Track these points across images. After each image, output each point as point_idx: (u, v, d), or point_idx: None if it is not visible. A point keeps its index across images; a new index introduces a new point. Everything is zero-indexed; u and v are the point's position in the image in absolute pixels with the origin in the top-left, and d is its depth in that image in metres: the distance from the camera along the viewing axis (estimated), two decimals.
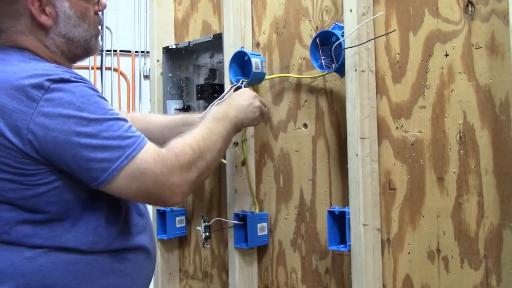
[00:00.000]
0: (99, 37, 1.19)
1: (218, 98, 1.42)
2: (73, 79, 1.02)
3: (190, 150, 1.08)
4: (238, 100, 1.32)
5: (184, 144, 1.09)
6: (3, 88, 0.98)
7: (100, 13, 1.18)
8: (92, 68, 4.25)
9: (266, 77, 1.50)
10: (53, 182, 1.01)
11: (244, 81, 1.46)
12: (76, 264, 1.04)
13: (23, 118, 0.96)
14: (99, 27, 1.18)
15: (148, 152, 1.02)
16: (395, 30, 1.26)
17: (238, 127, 1.30)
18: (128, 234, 1.13)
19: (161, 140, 1.44)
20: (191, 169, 1.07)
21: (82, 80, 1.04)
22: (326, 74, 1.37)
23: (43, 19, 1.07)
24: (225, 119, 1.23)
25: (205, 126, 1.18)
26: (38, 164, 0.99)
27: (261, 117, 1.40)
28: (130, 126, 1.05)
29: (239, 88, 1.46)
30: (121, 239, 1.10)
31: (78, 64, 1.23)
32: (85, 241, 1.05)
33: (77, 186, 1.03)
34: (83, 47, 1.14)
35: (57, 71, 1.02)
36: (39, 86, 0.98)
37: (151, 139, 1.38)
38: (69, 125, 0.97)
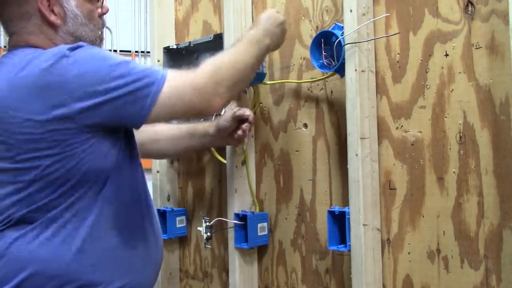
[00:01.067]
0: (103, 42, 1.25)
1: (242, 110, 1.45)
2: (86, 45, 1.09)
3: (223, 64, 1.15)
4: (273, 28, 1.31)
5: (214, 59, 1.16)
6: (31, 71, 1.04)
7: (103, 17, 1.24)
8: None
9: (267, 81, 1.50)
10: (87, 150, 1.06)
11: None
12: (90, 251, 1.08)
13: (59, 87, 1.02)
14: (102, 32, 1.24)
15: (177, 72, 1.12)
16: (398, 33, 1.25)
17: (269, 51, 1.34)
18: (139, 223, 1.17)
19: (167, 151, 1.51)
20: (224, 79, 1.13)
21: (94, 45, 1.12)
22: (326, 77, 1.37)
23: (53, 18, 1.12)
24: (260, 43, 1.26)
25: (242, 46, 1.23)
26: (77, 132, 1.04)
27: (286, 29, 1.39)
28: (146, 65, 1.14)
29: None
30: (132, 226, 1.15)
31: None
32: (101, 227, 1.09)
33: (103, 160, 1.08)
34: None
35: (72, 43, 1.10)
36: (62, 56, 1.04)
37: (159, 150, 1.43)
38: (101, 75, 1.04)
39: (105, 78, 1.04)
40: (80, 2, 1.15)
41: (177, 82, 1.09)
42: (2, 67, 1.09)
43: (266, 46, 1.27)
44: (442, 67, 1.19)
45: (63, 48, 1.06)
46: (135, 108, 1.06)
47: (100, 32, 1.22)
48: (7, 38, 1.17)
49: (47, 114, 1.02)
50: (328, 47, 1.32)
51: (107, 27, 4.53)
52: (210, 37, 1.64)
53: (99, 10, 1.21)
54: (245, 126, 1.43)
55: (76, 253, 1.06)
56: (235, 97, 1.22)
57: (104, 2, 1.24)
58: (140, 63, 1.12)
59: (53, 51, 1.06)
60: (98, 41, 1.21)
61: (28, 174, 1.04)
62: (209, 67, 1.13)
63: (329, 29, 1.31)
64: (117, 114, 1.06)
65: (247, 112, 1.43)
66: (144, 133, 1.35)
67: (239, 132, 1.43)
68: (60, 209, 1.06)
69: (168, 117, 1.14)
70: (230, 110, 1.44)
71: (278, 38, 1.32)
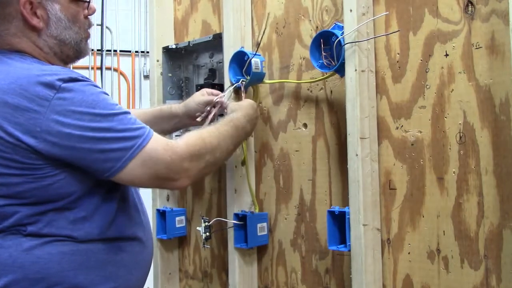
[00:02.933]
0: (89, 40, 1.23)
1: (219, 96, 1.47)
2: (80, 78, 1.07)
3: (202, 143, 1.16)
4: (253, 115, 1.40)
5: (197, 137, 1.17)
6: (12, 89, 1.01)
7: (90, 17, 1.22)
8: (92, 68, 4.24)
9: (267, 81, 1.50)
10: (59, 174, 1.05)
11: (243, 81, 1.46)
12: (72, 255, 1.07)
13: (36, 117, 1.00)
14: (89, 30, 1.22)
15: (157, 141, 1.09)
16: (399, 30, 1.25)
17: (247, 137, 1.42)
18: (124, 224, 1.16)
19: None
20: (199, 160, 1.14)
21: (88, 79, 1.09)
22: (326, 77, 1.37)
23: (35, 21, 1.11)
24: (242, 130, 1.33)
25: (224, 129, 1.26)
26: (46, 159, 1.03)
27: None
28: (136, 118, 1.11)
29: (239, 88, 1.47)
30: (115, 228, 1.14)
31: (78, 64, 1.26)
32: (81, 228, 1.08)
33: (80, 178, 1.08)
34: (74, 49, 1.18)
35: (64, 71, 1.07)
36: (50, 86, 1.02)
37: None
38: (83, 121, 1.03)
39: (84, 126, 1.02)
40: (65, 5, 1.14)
41: (154, 154, 1.07)
42: None
43: (246, 133, 1.34)
44: (442, 67, 1.19)
45: (54, 75, 1.03)
46: (101, 168, 1.05)
47: (86, 33, 1.20)
48: None
49: (16, 137, 1.00)
50: (328, 47, 1.31)
51: (107, 27, 4.53)
52: (209, 37, 1.64)
53: (85, 11, 1.20)
54: (209, 108, 1.45)
55: (58, 257, 1.05)
56: (203, 177, 1.26)
57: (91, 3, 1.22)
58: (131, 118, 1.09)
59: (42, 74, 1.03)
60: (83, 42, 1.20)
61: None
62: (191, 148, 1.13)
63: (329, 29, 1.31)
64: (83, 163, 1.05)
65: (216, 99, 1.45)
66: None
67: (204, 114, 1.45)
68: (41, 215, 1.05)
69: (130, 183, 1.12)
70: (200, 96, 1.48)
71: (253, 128, 1.40)
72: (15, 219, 1.04)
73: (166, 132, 1.51)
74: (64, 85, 1.03)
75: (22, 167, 1.02)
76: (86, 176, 1.08)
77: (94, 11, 1.23)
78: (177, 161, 1.10)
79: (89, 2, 1.20)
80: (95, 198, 1.10)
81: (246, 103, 1.41)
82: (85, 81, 1.07)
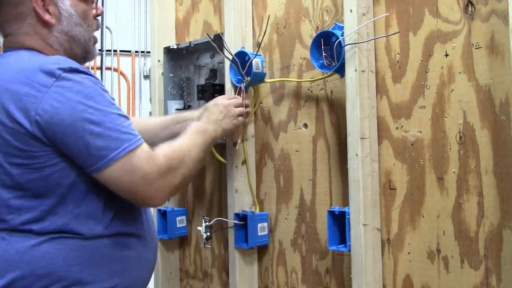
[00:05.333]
0: (96, 45, 1.25)
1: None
2: (81, 69, 1.08)
3: (177, 156, 1.15)
4: (214, 114, 1.39)
5: (172, 151, 1.16)
6: (17, 78, 1.04)
7: (98, 18, 1.24)
8: (92, 68, 4.25)
9: (267, 80, 1.50)
10: (58, 164, 1.06)
11: (244, 82, 1.46)
12: (77, 250, 1.07)
13: (33, 101, 1.02)
14: (96, 35, 1.24)
15: (143, 151, 1.08)
16: (398, 32, 1.26)
17: (218, 138, 1.39)
18: (126, 221, 1.16)
19: (155, 139, 1.46)
20: (176, 174, 1.13)
21: (89, 73, 1.10)
22: (326, 76, 1.37)
23: (47, 17, 1.13)
24: (205, 133, 1.31)
25: (189, 138, 1.25)
26: (43, 146, 1.04)
27: (241, 122, 1.46)
28: (130, 124, 1.10)
29: (241, 89, 1.47)
30: (118, 224, 1.14)
31: None
32: (85, 224, 1.09)
33: (79, 169, 1.08)
34: (83, 47, 1.20)
35: (66, 61, 1.08)
36: (50, 73, 1.04)
37: (149, 139, 1.39)
38: (76, 110, 1.03)
39: (76, 115, 1.03)
40: (75, 2, 1.17)
41: (135, 162, 1.06)
42: None
43: (214, 136, 1.33)
44: (442, 67, 1.19)
45: (56, 64, 1.05)
46: (85, 162, 1.05)
47: (93, 35, 1.22)
48: (2, 40, 1.18)
49: (17, 123, 1.02)
50: (328, 47, 1.32)
51: (107, 27, 4.54)
52: (207, 36, 1.63)
53: (93, 11, 1.22)
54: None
55: (64, 252, 1.06)
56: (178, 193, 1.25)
57: (98, 3, 1.25)
58: (124, 121, 1.10)
59: (46, 63, 1.05)
60: (92, 41, 1.22)
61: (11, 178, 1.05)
62: (169, 162, 1.11)
63: (329, 29, 1.31)
64: (69, 152, 1.05)
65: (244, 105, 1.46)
66: (138, 126, 1.30)
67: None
68: (46, 210, 1.06)
69: (107, 185, 1.09)
70: (219, 97, 1.47)
71: (220, 126, 1.37)
72: (21, 214, 1.05)
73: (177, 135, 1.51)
74: (64, 74, 1.04)
75: (22, 155, 1.03)
76: (84, 172, 1.08)
77: (102, 12, 1.25)
78: (155, 174, 1.08)
79: (96, 1, 1.23)
80: (97, 193, 1.10)
81: (208, 104, 1.42)
82: (86, 73, 1.08)
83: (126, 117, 1.10)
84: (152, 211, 1.75)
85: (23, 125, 1.02)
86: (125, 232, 1.15)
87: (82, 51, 1.20)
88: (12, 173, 1.04)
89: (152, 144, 1.38)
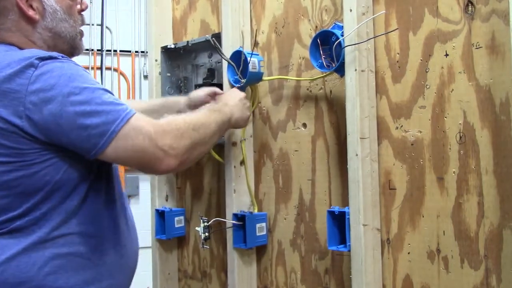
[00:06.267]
0: (83, 39, 1.22)
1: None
2: (60, 57, 1.06)
3: (182, 121, 1.13)
4: (232, 99, 1.38)
5: (175, 118, 1.14)
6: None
7: (83, 13, 1.22)
8: (92, 68, 4.24)
9: (265, 78, 1.49)
10: (47, 161, 1.04)
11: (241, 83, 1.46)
12: (53, 259, 1.05)
13: (18, 97, 1.00)
14: (82, 28, 1.21)
15: (141, 117, 1.07)
16: (397, 28, 1.25)
17: (232, 123, 1.35)
18: (107, 228, 1.14)
19: None
20: (183, 136, 1.10)
21: (68, 59, 1.08)
22: (325, 75, 1.36)
23: (31, 13, 1.11)
24: (220, 111, 1.29)
25: (201, 112, 1.23)
26: (34, 143, 1.02)
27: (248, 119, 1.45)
28: (117, 98, 1.09)
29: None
30: (98, 232, 1.12)
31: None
32: (64, 230, 1.07)
33: (67, 168, 1.06)
34: (69, 43, 1.17)
35: (45, 52, 1.06)
36: (29, 65, 1.02)
37: None
38: (62, 95, 1.01)
39: (63, 100, 1.01)
40: None
41: (137, 127, 1.04)
42: None
43: (227, 116, 1.30)
44: (442, 67, 1.19)
45: (33, 56, 1.03)
46: (87, 145, 1.03)
47: (80, 30, 1.19)
48: None
49: (4, 119, 1.00)
50: (328, 46, 1.31)
51: (107, 27, 4.52)
52: (208, 36, 1.63)
53: (78, 6, 1.19)
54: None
55: (39, 260, 1.03)
56: (193, 161, 1.19)
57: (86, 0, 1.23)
58: (112, 95, 1.09)
59: (23, 57, 1.03)
60: (78, 36, 1.19)
61: None
62: (173, 125, 1.10)
63: (329, 29, 1.30)
64: (67, 142, 1.03)
65: (220, 91, 1.46)
66: None
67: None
68: (23, 218, 1.04)
69: (116, 161, 1.07)
70: (208, 87, 1.48)
71: (240, 109, 1.36)
72: (2, 213, 1.03)
73: None
74: (42, 62, 1.02)
75: (10, 153, 1.01)
76: (73, 168, 1.06)
77: (86, 7, 1.22)
78: (160, 134, 1.06)
79: None
80: (79, 199, 1.08)
81: (227, 93, 1.42)
82: (65, 59, 1.06)
83: (111, 93, 1.09)
84: (150, 211, 1.75)
85: (12, 122, 1.00)
86: (106, 240, 1.13)
87: (68, 47, 1.17)
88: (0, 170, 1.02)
89: None
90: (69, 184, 1.07)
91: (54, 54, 1.06)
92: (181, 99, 1.50)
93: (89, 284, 1.09)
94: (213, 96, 1.46)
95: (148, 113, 1.41)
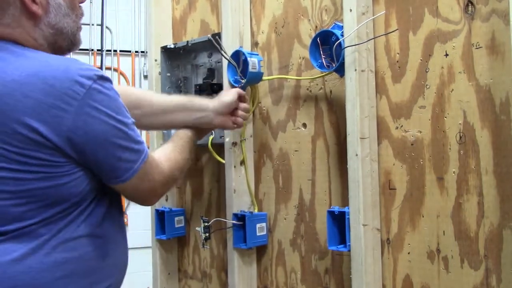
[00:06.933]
0: (80, 33, 1.17)
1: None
2: (105, 76, 1.04)
3: (176, 165, 1.22)
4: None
5: (172, 159, 1.22)
6: (33, 83, 0.96)
7: (82, 6, 1.16)
8: None
9: (265, 77, 1.49)
10: (76, 173, 1.04)
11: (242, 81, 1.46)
12: (64, 264, 1.04)
13: (63, 116, 0.96)
14: (81, 22, 1.17)
15: (153, 160, 1.14)
16: (397, 29, 1.25)
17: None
18: (110, 228, 1.14)
19: (151, 119, 1.40)
20: (174, 183, 1.24)
21: (109, 79, 1.06)
22: (325, 75, 1.36)
23: (34, 8, 1.04)
24: (192, 140, 1.36)
25: (186, 152, 1.30)
26: (64, 157, 1.00)
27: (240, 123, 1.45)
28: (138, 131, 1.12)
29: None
30: (103, 232, 1.11)
31: None
32: (75, 234, 1.06)
33: (92, 178, 1.07)
34: (69, 39, 1.12)
35: (90, 67, 1.03)
36: (79, 84, 0.98)
37: (145, 114, 1.38)
38: (109, 125, 1.02)
39: (108, 130, 1.02)
40: None
41: (149, 171, 1.11)
42: None
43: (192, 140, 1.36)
44: (442, 67, 1.19)
45: (80, 71, 0.99)
46: (110, 173, 1.05)
47: (79, 24, 1.15)
48: None
49: (41, 134, 0.97)
50: (328, 46, 1.31)
51: (107, 27, 4.51)
52: (208, 36, 1.63)
53: None
54: (244, 106, 1.44)
55: (49, 265, 1.02)
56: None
57: None
58: (136, 129, 1.10)
59: (68, 69, 0.99)
60: (78, 32, 1.14)
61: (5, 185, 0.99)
62: (172, 172, 1.18)
63: (329, 29, 1.30)
64: (96, 166, 1.04)
65: (242, 92, 1.46)
66: (124, 97, 1.18)
67: (240, 113, 1.43)
68: (32, 221, 1.01)
69: (125, 194, 1.13)
70: (233, 89, 1.44)
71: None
72: (20, 221, 1.01)
73: (183, 126, 1.40)
74: (94, 85, 0.99)
75: (41, 164, 0.98)
76: (94, 179, 1.07)
77: None
78: (159, 186, 1.15)
79: None
80: (91, 204, 1.08)
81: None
82: (109, 80, 1.05)
83: (134, 122, 1.09)
84: (150, 211, 1.76)
85: (49, 138, 0.96)
86: (109, 240, 1.13)
87: (68, 43, 1.12)
88: (23, 177, 0.98)
89: (144, 120, 1.36)
90: (85, 196, 1.07)
91: (100, 72, 1.03)
92: (209, 105, 1.40)
93: (94, 286, 1.08)
94: (240, 99, 1.44)
95: (159, 111, 1.40)
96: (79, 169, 1.03)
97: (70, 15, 1.10)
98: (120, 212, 1.20)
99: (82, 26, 1.18)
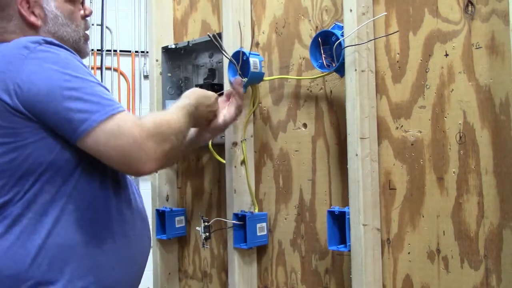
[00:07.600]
0: (88, 42, 1.24)
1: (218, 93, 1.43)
2: (58, 44, 1.07)
3: (167, 125, 1.09)
4: (204, 103, 1.31)
5: (161, 118, 1.10)
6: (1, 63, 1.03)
7: (88, 19, 1.24)
8: (92, 68, 4.24)
9: (266, 78, 1.49)
10: (40, 141, 1.03)
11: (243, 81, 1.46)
12: (47, 249, 1.03)
13: (11, 76, 1.01)
14: (87, 32, 1.23)
15: (128, 116, 1.03)
16: (397, 31, 1.25)
17: (196, 116, 1.29)
18: (107, 217, 1.12)
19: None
20: (166, 140, 1.06)
21: (65, 47, 1.08)
22: (325, 74, 1.36)
23: (33, 19, 1.13)
24: (194, 117, 1.24)
25: (180, 114, 1.18)
26: (26, 121, 1.01)
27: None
28: (110, 93, 1.07)
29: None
30: (97, 221, 1.10)
31: None
32: (57, 215, 1.05)
33: (61, 149, 1.05)
34: (72, 47, 1.17)
35: (44, 38, 1.07)
36: (25, 47, 1.03)
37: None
38: (53, 79, 1.02)
39: (53, 84, 1.01)
40: (60, 3, 1.16)
41: (122, 125, 1.01)
42: None
43: (194, 121, 1.24)
44: (442, 67, 1.19)
45: (31, 40, 1.04)
46: (67, 128, 1.02)
47: (84, 32, 1.21)
48: None
49: None
50: (328, 46, 1.31)
51: (107, 27, 4.52)
52: (207, 35, 1.63)
53: (82, 12, 1.22)
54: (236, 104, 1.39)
55: (32, 250, 1.02)
56: (167, 165, 1.15)
57: (86, 4, 1.24)
58: (104, 90, 1.06)
59: (20, 41, 1.05)
60: (82, 41, 1.21)
61: None
62: (158, 128, 1.05)
63: (329, 29, 1.31)
64: (52, 123, 1.02)
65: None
66: None
67: (230, 111, 1.38)
68: (15, 204, 1.02)
69: (95, 153, 1.03)
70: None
71: (200, 115, 1.29)
72: None
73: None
74: (39, 46, 1.04)
75: (4, 133, 1.01)
76: (65, 149, 1.05)
77: (90, 12, 1.24)
78: (144, 137, 1.02)
79: (83, 2, 1.22)
80: (73, 184, 1.07)
81: (198, 90, 1.34)
82: (63, 47, 1.07)
83: (107, 89, 1.07)
84: (151, 211, 1.76)
85: (4, 100, 1.00)
86: (106, 231, 1.11)
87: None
88: None
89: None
90: (62, 166, 1.05)
91: (55, 42, 1.07)
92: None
93: (87, 275, 1.06)
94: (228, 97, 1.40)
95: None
96: (43, 135, 1.03)
97: (69, 25, 1.18)
98: (127, 203, 1.17)
99: None
